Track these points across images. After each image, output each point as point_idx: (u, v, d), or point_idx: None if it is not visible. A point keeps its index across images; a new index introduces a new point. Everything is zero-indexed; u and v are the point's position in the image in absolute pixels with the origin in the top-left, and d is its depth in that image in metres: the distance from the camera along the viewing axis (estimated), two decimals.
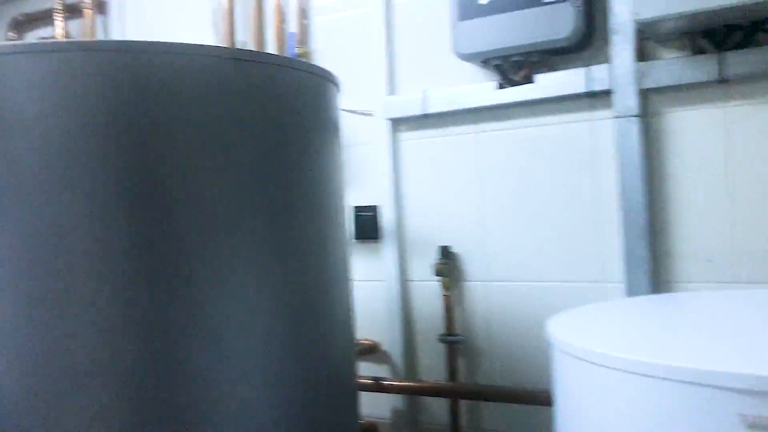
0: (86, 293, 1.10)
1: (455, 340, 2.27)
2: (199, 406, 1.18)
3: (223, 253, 1.21)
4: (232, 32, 2.62)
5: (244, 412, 1.23)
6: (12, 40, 3.18)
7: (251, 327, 1.25)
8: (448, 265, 2.27)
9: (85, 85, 1.11)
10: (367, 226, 2.43)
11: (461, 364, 2.31)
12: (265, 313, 1.28)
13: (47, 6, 3.08)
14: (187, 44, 1.18)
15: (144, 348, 1.13)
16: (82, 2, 2.90)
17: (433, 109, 2.27)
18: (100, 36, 2.94)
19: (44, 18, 3.12)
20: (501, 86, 2.15)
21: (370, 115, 2.41)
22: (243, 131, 1.25)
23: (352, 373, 1.64)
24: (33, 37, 3.19)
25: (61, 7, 2.95)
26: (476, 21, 2.09)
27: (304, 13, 2.54)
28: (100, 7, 2.97)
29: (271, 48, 2.59)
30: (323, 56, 2.53)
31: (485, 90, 2.17)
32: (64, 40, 2.45)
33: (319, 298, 1.43)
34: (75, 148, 1.11)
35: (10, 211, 1.09)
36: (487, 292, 2.25)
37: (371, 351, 2.42)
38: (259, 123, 1.28)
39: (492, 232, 2.24)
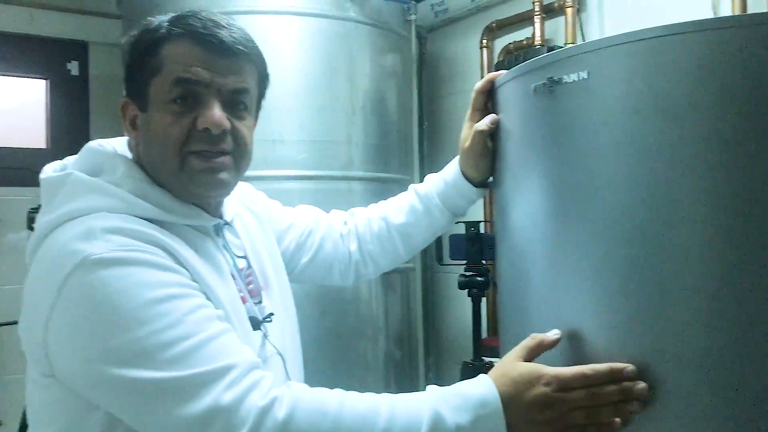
0: None
1: None
2: None
3: None
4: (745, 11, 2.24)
5: None
6: (485, 47, 3.27)
7: None
8: None
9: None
10: None
11: None
12: None
13: (521, 10, 3.08)
14: None
15: None
16: (563, 1, 2.81)
17: None
18: (578, 36, 2.82)
19: (518, 22, 3.13)
20: None
21: None
22: None
23: None
24: (504, 42, 3.23)
25: (539, 9, 2.91)
26: None
27: None
28: (580, 4, 2.85)
29: None
30: None
31: None
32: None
33: None
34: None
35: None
36: None
37: None
38: None
39: None
